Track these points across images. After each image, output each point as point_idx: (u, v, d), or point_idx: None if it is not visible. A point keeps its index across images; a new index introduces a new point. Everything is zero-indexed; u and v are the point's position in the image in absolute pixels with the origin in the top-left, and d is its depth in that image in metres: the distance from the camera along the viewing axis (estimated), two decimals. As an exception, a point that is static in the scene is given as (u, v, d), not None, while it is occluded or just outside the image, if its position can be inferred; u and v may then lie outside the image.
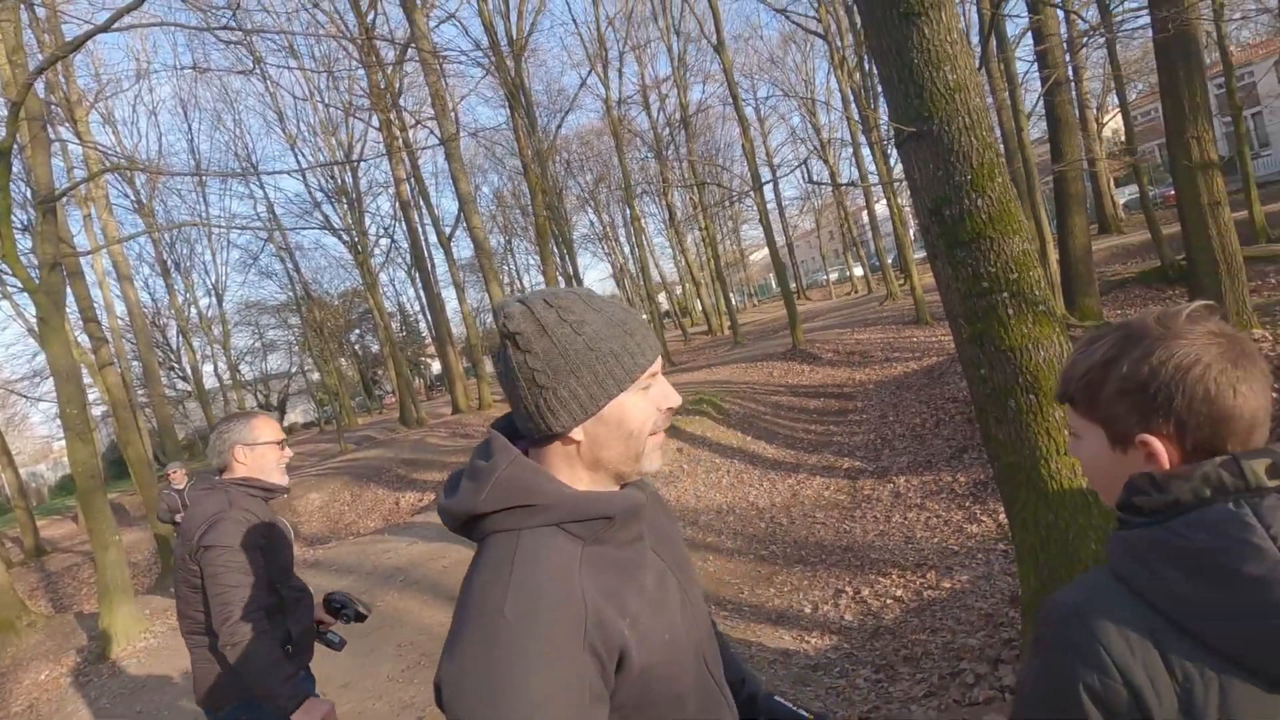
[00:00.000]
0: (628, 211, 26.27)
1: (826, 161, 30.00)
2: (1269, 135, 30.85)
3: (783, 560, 7.57)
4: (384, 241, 29.41)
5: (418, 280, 27.13)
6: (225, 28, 4.93)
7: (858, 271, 39.87)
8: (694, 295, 42.64)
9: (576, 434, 0.86)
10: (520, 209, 35.85)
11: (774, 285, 20.67)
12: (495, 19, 17.78)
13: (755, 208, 19.88)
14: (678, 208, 36.34)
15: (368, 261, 23.72)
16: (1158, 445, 0.77)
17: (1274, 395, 0.81)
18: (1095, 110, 23.41)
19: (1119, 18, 11.03)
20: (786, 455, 11.09)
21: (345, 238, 23.30)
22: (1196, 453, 0.76)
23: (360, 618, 2.38)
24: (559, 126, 23.57)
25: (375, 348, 45.17)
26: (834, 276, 47.97)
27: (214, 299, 27.60)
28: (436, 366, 45.15)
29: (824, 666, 4.70)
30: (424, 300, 25.67)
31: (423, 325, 41.14)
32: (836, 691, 4.08)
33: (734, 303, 56.54)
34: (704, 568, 7.59)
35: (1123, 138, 18.60)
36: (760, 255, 54.18)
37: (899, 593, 6.06)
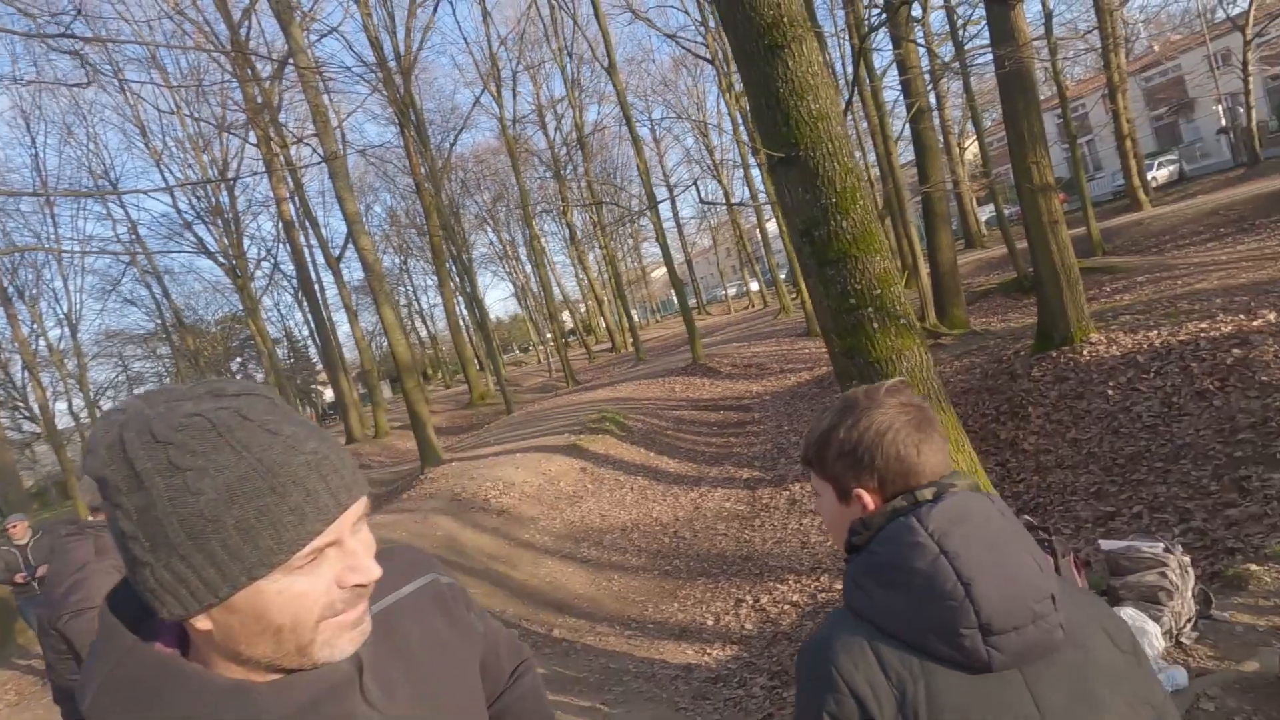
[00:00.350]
0: (527, 231, 26.08)
1: (720, 181, 31.10)
2: (1101, 159, 34.84)
3: (686, 574, 7.66)
4: (266, 264, 27.67)
5: (305, 305, 25.63)
6: (62, 35, 4.49)
7: (754, 286, 41.40)
8: (597, 313, 42.75)
9: (202, 622, 0.61)
10: (415, 228, 34.81)
11: (676, 302, 21.20)
12: (381, 34, 17.28)
13: (653, 226, 20.29)
14: (578, 226, 36.47)
15: (248, 286, 22.22)
16: (867, 497, 0.92)
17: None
18: (958, 136, 25.63)
19: (969, 54, 12.11)
20: (689, 469, 11.27)
21: (222, 261, 21.73)
22: (884, 492, 0.92)
23: None
24: (453, 145, 23.13)
25: (260, 376, 42.36)
26: (732, 292, 49.57)
27: (66, 330, 24.93)
28: (330, 394, 42.78)
29: (724, 678, 4.77)
30: (313, 325, 24.28)
31: (313, 351, 38.88)
32: (734, 702, 4.15)
33: (636, 319, 57.15)
34: (609, 587, 7.56)
35: (981, 161, 20.48)
36: (661, 272, 55.17)
37: (795, 598, 6.26)
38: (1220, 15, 25.03)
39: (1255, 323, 6.70)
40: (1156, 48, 36.61)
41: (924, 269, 12.60)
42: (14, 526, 6.36)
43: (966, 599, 0.75)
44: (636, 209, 21.71)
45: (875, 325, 3.56)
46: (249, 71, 15.06)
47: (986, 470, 7.38)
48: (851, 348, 3.63)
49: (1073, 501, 6.03)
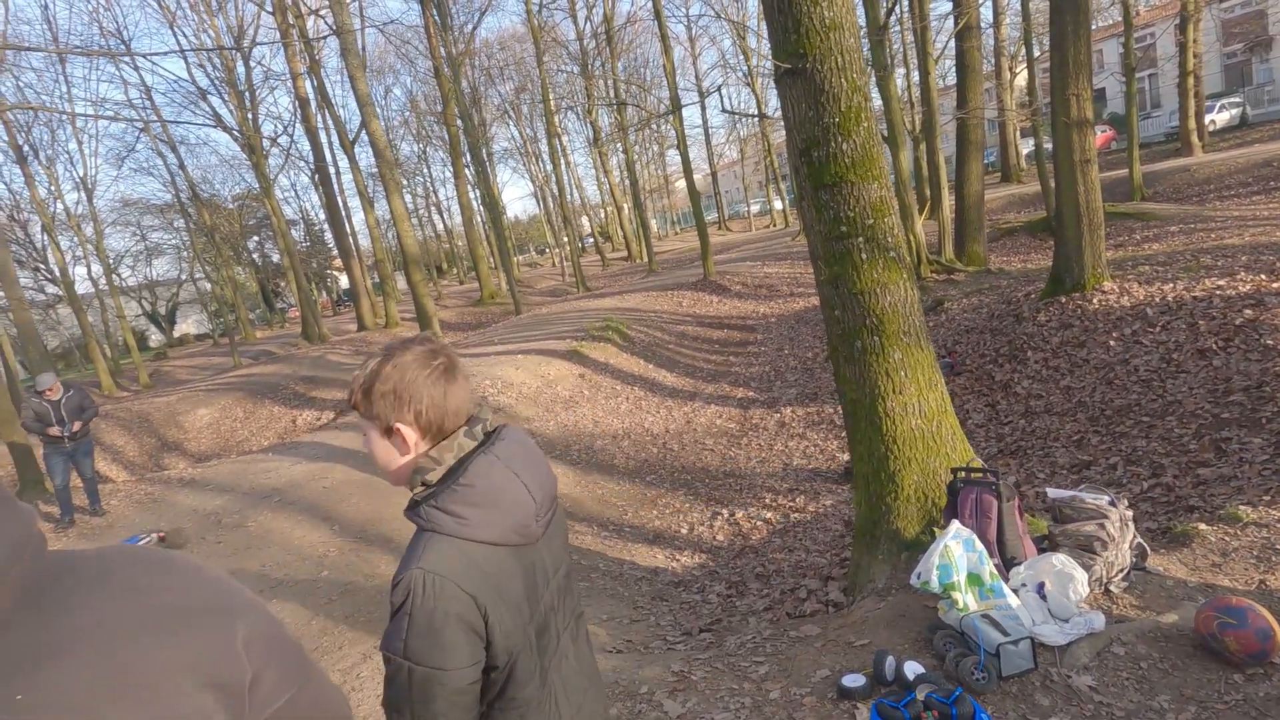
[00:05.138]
0: (549, 127, 25.17)
1: (754, 90, 29.58)
2: (1160, 96, 32.68)
3: (669, 484, 7.89)
4: (282, 141, 27.12)
5: (320, 188, 25.29)
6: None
7: (777, 205, 40.27)
8: (616, 220, 41.98)
9: None
10: (435, 116, 33.72)
11: (694, 214, 20.66)
12: (402, -102, 16.06)
13: (675, 133, 19.48)
14: (603, 127, 35.20)
15: (263, 163, 21.86)
16: (407, 431, 1.13)
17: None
18: (1009, 59, 23.98)
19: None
20: (685, 383, 11.38)
21: (237, 135, 21.27)
22: (428, 434, 1.14)
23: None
24: (475, 27, 21.99)
25: (276, 257, 42.39)
26: (755, 209, 48.30)
27: (83, 194, 24.84)
28: (345, 280, 42.98)
29: (686, 583, 5.00)
30: (328, 210, 24.04)
31: (329, 236, 38.74)
32: (689, 606, 4.37)
33: (654, 230, 56.04)
34: (593, 490, 7.82)
35: (1028, 90, 19.25)
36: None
37: (769, 515, 6.46)
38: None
39: (1275, 284, 6.48)
40: (1244, -26, 33.50)
41: (947, 201, 12.14)
42: (50, 389, 6.61)
43: (534, 502, 1.15)
44: (661, 113, 20.78)
45: (863, 256, 3.47)
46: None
47: (975, 410, 7.42)
48: (837, 276, 3.56)
49: (1054, 447, 6.07)
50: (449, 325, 23.40)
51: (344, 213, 27.02)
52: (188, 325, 47.89)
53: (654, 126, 36.83)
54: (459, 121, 20.39)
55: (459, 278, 47.31)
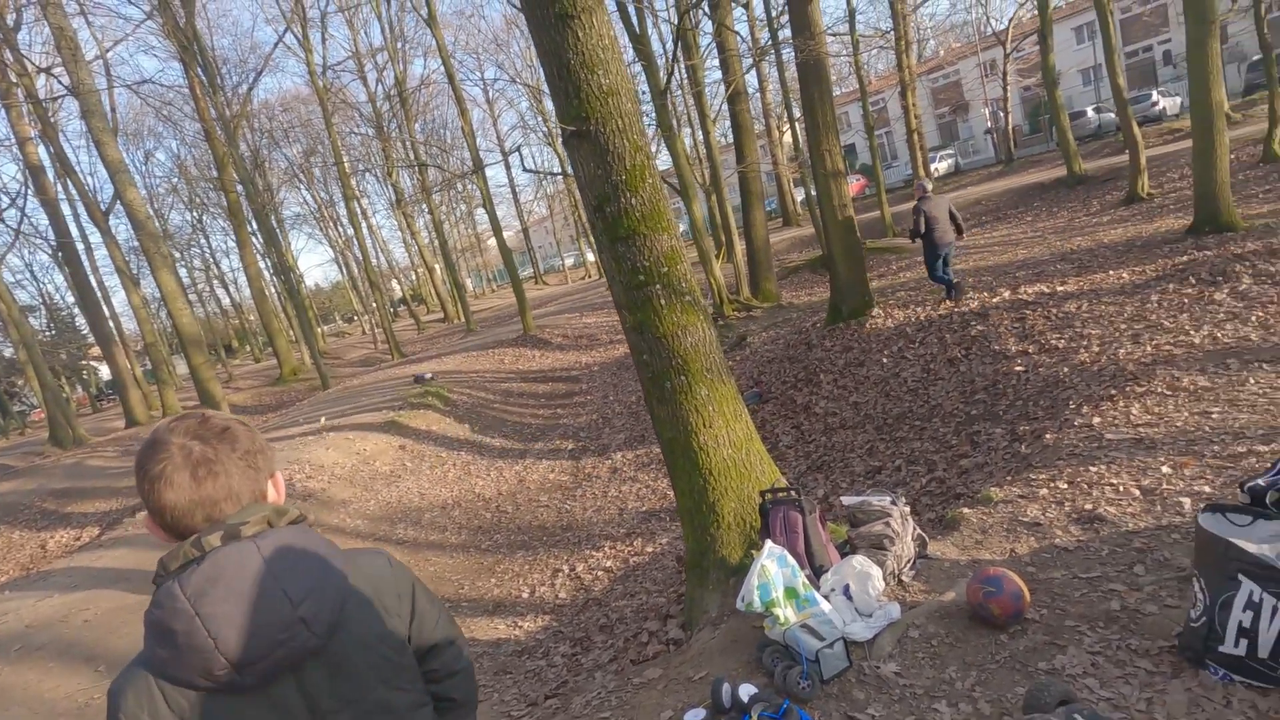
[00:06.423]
0: (346, 190, 23.96)
1: (555, 148, 30.59)
2: (896, 149, 38.88)
3: (506, 548, 7.62)
4: (10, 215, 22.98)
5: (65, 267, 21.70)
6: None
7: (590, 257, 41.54)
8: (428, 281, 40.68)
9: None
10: (210, 181, 30.69)
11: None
12: (152, -48, 14.77)
13: (490, 191, 19.48)
14: (405, 188, 34.25)
15: (-19, 241, 18.36)
16: (158, 529, 1.01)
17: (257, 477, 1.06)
18: (778, 119, 27.27)
19: (782, 43, 12.83)
20: (514, 442, 11.16)
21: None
22: (172, 532, 1.00)
23: None
24: (250, 89, 20.54)
25: (10, 352, 35.41)
26: (570, 261, 49.44)
27: None
28: (108, 370, 36.94)
29: (530, 650, 4.81)
30: (77, 291, 20.64)
31: (82, 321, 33.24)
32: (534, 673, 4.20)
33: (470, 289, 55.05)
34: (425, 569, 7.31)
35: (795, 145, 22.03)
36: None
37: (609, 564, 6.46)
38: (989, 30, 28.73)
39: (994, 300, 7.87)
40: (942, 52, 41.32)
41: (739, 245, 13.33)
42: None
43: (216, 650, 0.92)
44: (463, 172, 20.72)
45: (663, 301, 3.68)
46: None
47: (784, 433, 8.06)
48: (641, 322, 3.73)
49: (851, 458, 6.76)
50: (245, 409, 20.95)
51: (99, 294, 23.44)
52: (-120, 446, 38.16)
53: (459, 186, 36.57)
54: (239, 187, 18.76)
55: (254, 355, 42.77)
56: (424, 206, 31.99)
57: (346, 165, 24.72)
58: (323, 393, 17.66)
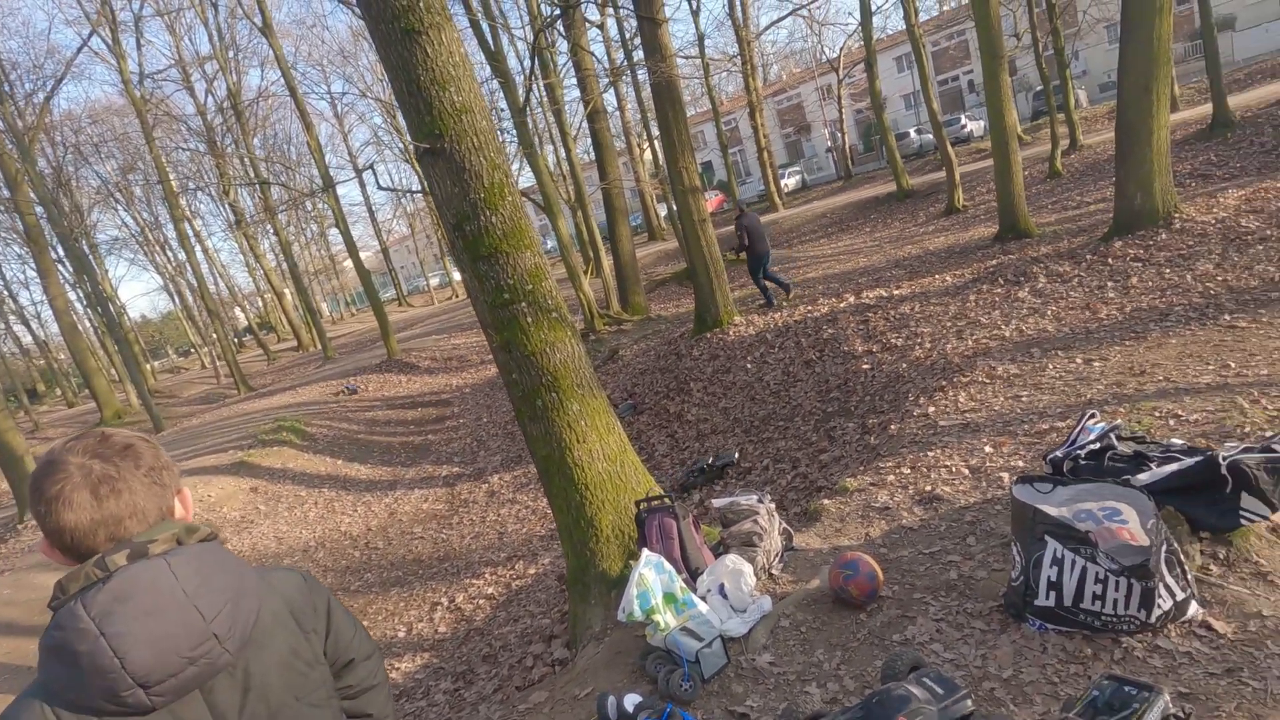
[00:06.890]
0: (173, 210, 21.65)
1: (414, 165, 29.51)
2: (750, 167, 41.20)
3: (379, 586, 7.19)
4: None
5: None
6: None
7: (457, 276, 40.37)
8: (277, 307, 37.68)
9: None
10: (1, 204, 26.67)
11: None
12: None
13: (344, 210, 18.40)
14: (245, 208, 31.56)
15: None
16: (51, 549, 0.96)
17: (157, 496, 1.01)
18: (639, 138, 28.03)
19: (637, 64, 13.22)
20: (383, 473, 10.58)
21: None
22: (72, 554, 0.96)
23: None
24: (49, 97, 18.14)
25: None
26: (435, 281, 47.78)
27: None
28: None
29: (409, 692, 4.56)
30: None
31: None
32: (415, 716, 3.99)
33: (326, 314, 51.73)
34: (286, 619, 6.72)
35: (655, 162, 22.76)
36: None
37: (490, 590, 6.27)
38: (824, 57, 31.25)
39: (841, 304, 8.52)
40: (785, 76, 44.39)
41: (606, 260, 13.52)
42: None
43: (122, 670, 0.88)
44: (311, 191, 19.47)
45: (529, 319, 3.65)
46: None
47: (659, 442, 8.23)
48: (508, 341, 3.68)
49: (723, 462, 7.02)
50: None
51: None
52: None
53: (309, 205, 34.31)
54: (38, 208, 16.45)
55: (67, 399, 37.50)
56: (269, 227, 29.65)
57: (174, 183, 22.41)
58: (156, 437, 15.81)
